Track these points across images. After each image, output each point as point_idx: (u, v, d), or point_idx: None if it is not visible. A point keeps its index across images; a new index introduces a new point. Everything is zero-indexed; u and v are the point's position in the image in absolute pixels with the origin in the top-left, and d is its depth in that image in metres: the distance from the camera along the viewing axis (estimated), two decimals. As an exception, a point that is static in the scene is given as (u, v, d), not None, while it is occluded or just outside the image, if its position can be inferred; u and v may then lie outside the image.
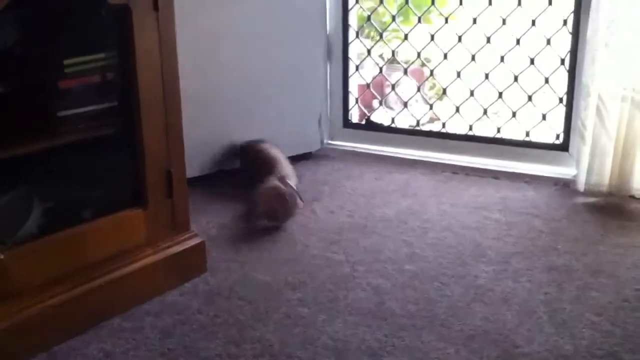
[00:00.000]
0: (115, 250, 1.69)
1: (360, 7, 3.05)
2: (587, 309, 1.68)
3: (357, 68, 3.07)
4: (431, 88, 3.81)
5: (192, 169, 2.40)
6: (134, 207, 1.74)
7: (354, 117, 3.21)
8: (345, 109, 3.11)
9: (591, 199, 2.43)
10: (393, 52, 3.13)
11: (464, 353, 1.50)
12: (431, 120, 3.29)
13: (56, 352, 1.52)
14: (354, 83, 3.17)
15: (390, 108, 3.40)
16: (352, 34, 3.01)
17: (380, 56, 3.50)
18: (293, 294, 1.78)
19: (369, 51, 3.10)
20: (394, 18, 3.09)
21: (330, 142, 3.09)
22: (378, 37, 3.22)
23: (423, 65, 3.18)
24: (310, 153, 2.97)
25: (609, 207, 2.38)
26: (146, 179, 1.73)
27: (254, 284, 1.84)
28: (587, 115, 2.41)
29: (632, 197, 2.41)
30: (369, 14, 3.05)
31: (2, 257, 1.43)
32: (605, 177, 2.40)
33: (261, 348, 1.53)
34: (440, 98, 3.42)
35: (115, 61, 1.75)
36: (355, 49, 3.11)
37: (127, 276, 1.69)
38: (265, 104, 2.77)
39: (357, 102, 3.14)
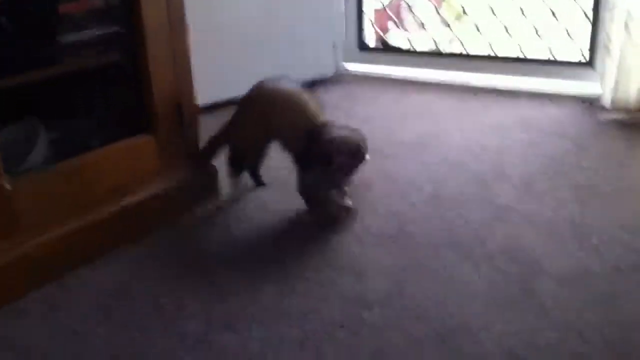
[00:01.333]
0: (127, 178, 1.65)
1: None
2: (613, 226, 1.63)
3: (371, -12, 2.95)
4: (448, 9, 3.68)
5: (205, 97, 2.35)
6: (144, 135, 1.69)
7: (370, 41, 3.11)
8: (360, 31, 3.01)
9: (617, 116, 2.34)
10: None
11: (485, 271, 1.46)
12: (451, 42, 3.18)
13: (68, 281, 1.50)
14: (370, 7, 3.07)
15: (407, 31, 3.28)
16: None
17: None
18: (309, 218, 1.74)
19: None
20: None
21: (345, 65, 3.00)
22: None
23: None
24: (325, 77, 2.89)
25: (635, 123, 2.29)
26: (155, 105, 1.67)
27: (269, 209, 1.80)
28: (613, 28, 2.29)
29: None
30: None
31: (8, 187, 1.40)
32: (631, 93, 2.31)
33: (278, 272, 1.50)
34: (458, 19, 3.30)
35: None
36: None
37: (141, 203, 1.66)
38: (278, 28, 2.68)
39: (372, 24, 3.03)
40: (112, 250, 1.60)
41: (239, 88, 2.61)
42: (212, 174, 1.85)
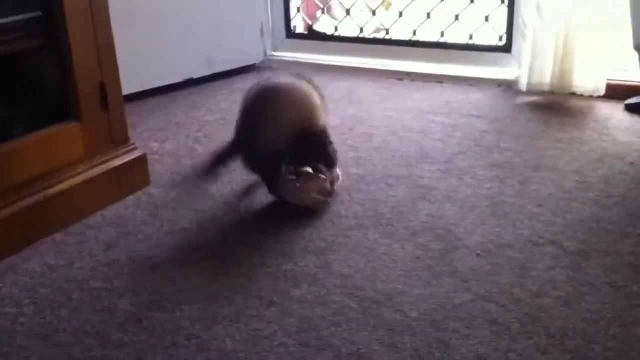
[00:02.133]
0: (51, 166, 1.64)
1: None
2: (529, 201, 1.72)
3: (296, -25, 2.98)
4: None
5: (130, 84, 2.33)
6: (69, 121, 1.68)
7: (299, 28, 3.15)
8: (287, 19, 3.05)
9: (533, 98, 2.46)
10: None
11: (409, 248, 1.52)
12: (377, 31, 3.25)
13: (-4, 268, 1.48)
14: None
15: (335, 18, 3.33)
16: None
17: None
18: (238, 202, 1.77)
19: (308, -43, 3.00)
20: None
21: (273, 53, 3.03)
22: (317, -58, 3.13)
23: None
24: (253, 65, 2.92)
25: (550, 105, 2.41)
26: (78, 91, 1.66)
27: (198, 194, 1.81)
28: (527, 13, 2.40)
29: (573, 94, 2.44)
30: None
31: None
32: (546, 75, 2.43)
33: (208, 253, 1.53)
34: (386, 7, 3.37)
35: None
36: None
37: (66, 191, 1.65)
38: (204, 16, 2.68)
39: (298, 10, 3.06)
40: (39, 239, 1.58)
41: (164, 77, 2.62)
42: (141, 159, 1.85)
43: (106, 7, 1.69)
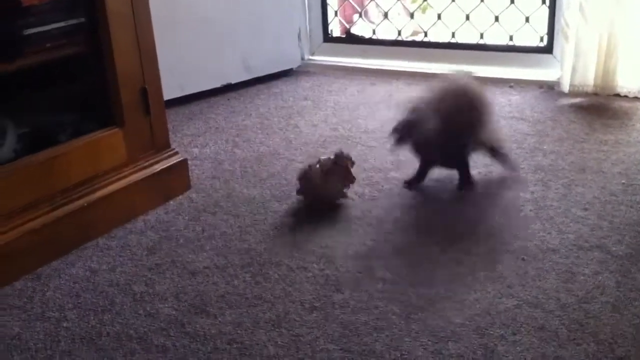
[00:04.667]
0: (94, 171, 1.66)
1: None
2: (574, 205, 1.68)
3: (334, -21, 2.98)
4: (413, 1, 3.71)
5: (172, 89, 2.36)
6: (112, 127, 1.70)
7: (335, 32, 3.14)
8: (325, 23, 3.04)
9: (576, 100, 2.41)
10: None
11: (451, 252, 1.50)
12: (414, 34, 3.22)
13: (41, 273, 1.50)
14: (334, -1, 3.09)
15: (372, 22, 3.32)
16: (327, -56, 2.91)
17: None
18: (279, 206, 1.77)
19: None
20: None
21: (311, 57, 3.03)
22: (354, -53, 3.12)
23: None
24: (291, 69, 2.91)
25: (594, 106, 2.35)
26: (121, 97, 1.68)
27: (239, 198, 1.82)
28: (570, 13, 2.36)
29: (617, 95, 2.39)
30: None
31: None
32: (589, 76, 2.37)
33: (249, 258, 1.53)
34: (423, 10, 3.34)
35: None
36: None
37: (109, 196, 1.67)
38: (242, 21, 2.69)
39: (336, 14, 3.06)
40: (83, 243, 1.60)
41: (203, 82, 2.64)
42: (182, 164, 1.86)
43: (148, 13, 1.71)
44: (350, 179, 1.76)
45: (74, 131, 1.68)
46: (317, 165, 1.74)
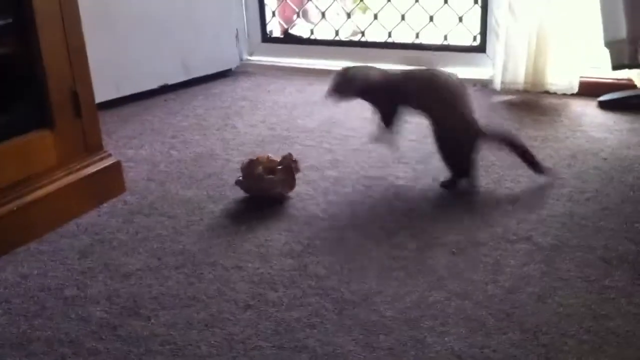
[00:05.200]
0: (24, 174, 1.63)
1: None
2: (503, 199, 1.73)
3: (271, -21, 2.99)
4: (354, 1, 3.75)
5: (107, 90, 2.33)
6: (41, 129, 1.67)
7: (275, 32, 3.15)
8: (263, 23, 3.05)
9: (508, 97, 2.47)
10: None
11: (385, 248, 1.52)
12: (354, 34, 3.25)
13: (-31, 279, 1.47)
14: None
15: (311, 22, 3.34)
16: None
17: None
18: (215, 207, 1.77)
19: (282, -39, 3.01)
20: None
21: (249, 57, 3.03)
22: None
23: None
24: (229, 70, 2.91)
25: (525, 103, 2.43)
26: (50, 99, 1.65)
27: (174, 200, 1.81)
28: (500, 13, 2.42)
29: (547, 92, 2.47)
30: None
31: None
32: (520, 74, 2.45)
33: (183, 259, 1.52)
34: (362, 10, 3.38)
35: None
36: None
37: (40, 200, 1.64)
38: (178, 21, 2.68)
39: (274, 15, 3.06)
40: (13, 248, 1.57)
41: (139, 83, 2.61)
42: (116, 166, 1.84)
43: (77, 12, 1.68)
44: (290, 183, 1.77)
45: (2, 133, 1.64)
46: (264, 159, 1.77)
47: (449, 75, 1.80)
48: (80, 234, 1.65)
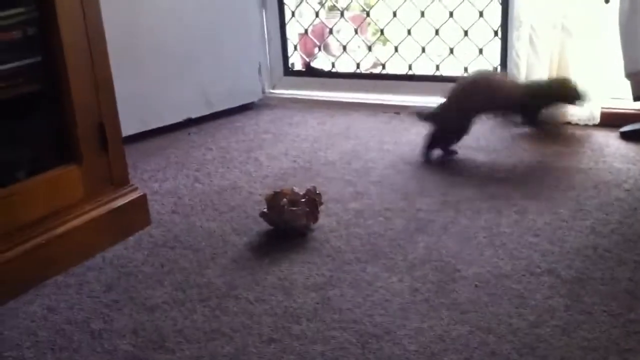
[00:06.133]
0: (52, 208, 1.66)
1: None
2: (526, 231, 1.72)
3: (292, 14, 3.04)
4: (374, 34, 3.79)
5: (132, 124, 2.37)
6: (69, 164, 1.71)
7: (297, 65, 3.19)
8: (285, 57, 3.09)
9: (529, 128, 2.47)
10: (328, -5, 3.11)
11: (407, 281, 1.53)
12: (374, 66, 3.29)
13: (-1, 312, 1.50)
14: (294, 31, 3.15)
15: (333, 55, 3.38)
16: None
17: (320, 2, 3.47)
18: (239, 240, 1.79)
19: (303, -4, 3.07)
20: (327, -39, 3.06)
21: (272, 91, 3.07)
22: (313, -18, 3.19)
23: (363, 10, 3.17)
24: (252, 103, 2.95)
25: (547, 134, 2.42)
26: (78, 133, 1.69)
27: (199, 232, 1.83)
28: (520, 45, 2.44)
29: (569, 123, 2.47)
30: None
31: None
32: (541, 105, 2.44)
33: (208, 292, 1.54)
34: (383, 43, 3.42)
35: (35, 15, 1.69)
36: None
37: (67, 233, 1.67)
38: (202, 55, 2.73)
39: (295, 49, 3.11)
40: (41, 281, 1.60)
41: (163, 117, 2.66)
42: (141, 199, 1.87)
43: (105, 47, 1.72)
44: (314, 216, 1.79)
45: (32, 168, 1.68)
46: (288, 191, 1.79)
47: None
48: (106, 267, 1.67)
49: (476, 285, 1.49)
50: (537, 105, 2.34)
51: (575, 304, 1.40)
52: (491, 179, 2.06)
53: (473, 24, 2.79)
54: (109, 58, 1.74)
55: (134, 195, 1.85)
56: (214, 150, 2.47)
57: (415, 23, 2.89)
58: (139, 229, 1.85)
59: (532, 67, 2.41)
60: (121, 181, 1.83)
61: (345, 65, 3.13)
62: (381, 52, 3.26)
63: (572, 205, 1.85)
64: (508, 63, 2.65)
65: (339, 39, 3.21)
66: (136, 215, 1.85)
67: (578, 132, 2.44)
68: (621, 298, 1.41)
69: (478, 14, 2.75)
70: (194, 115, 2.75)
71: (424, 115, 2.31)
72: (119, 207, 1.80)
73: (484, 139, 2.41)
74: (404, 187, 2.04)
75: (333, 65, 3.12)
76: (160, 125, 2.65)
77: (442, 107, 2.26)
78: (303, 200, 1.78)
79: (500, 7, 2.67)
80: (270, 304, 1.47)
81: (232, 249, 1.74)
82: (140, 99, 2.52)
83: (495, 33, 2.73)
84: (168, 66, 2.63)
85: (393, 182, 2.09)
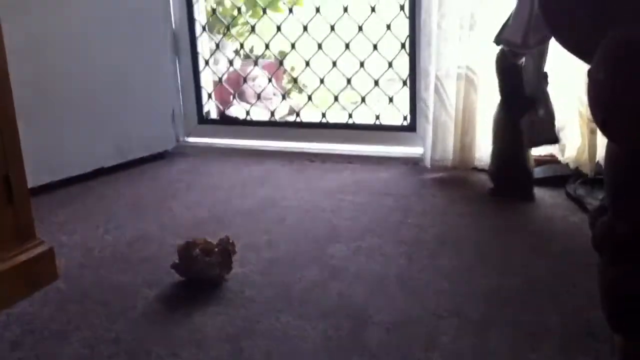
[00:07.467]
0: (-48, 265, 1.59)
1: (206, 0, 3.05)
2: (435, 276, 1.77)
3: (206, 63, 3.06)
4: (289, 82, 3.85)
5: (38, 176, 2.31)
6: (-31, 217, 1.65)
7: (212, 113, 3.20)
8: (200, 105, 3.10)
9: (438, 174, 2.57)
10: (241, 44, 3.15)
11: (321, 328, 1.54)
12: (291, 113, 3.35)
13: None
14: (209, 79, 3.17)
15: (249, 103, 3.42)
16: (199, 29, 3.00)
17: (236, 51, 3.52)
18: (151, 292, 1.75)
19: (217, 45, 3.10)
20: (239, 10, 3.11)
21: (186, 139, 3.07)
22: (226, 31, 3.23)
23: (277, 58, 3.23)
24: (166, 151, 2.94)
25: (454, 180, 2.52)
26: (-20, 185, 1.64)
27: (108, 286, 1.79)
28: (428, 95, 2.54)
29: (475, 168, 2.57)
30: (215, 7, 3.05)
31: None
32: (448, 152, 2.55)
33: (117, 348, 1.50)
34: (299, 91, 3.48)
35: None
36: (207, 44, 3.11)
37: (-32, 290, 1.60)
38: (113, 103, 2.71)
39: (210, 97, 3.12)
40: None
41: (73, 167, 2.60)
42: (48, 253, 1.81)
43: (10, 97, 1.68)
44: (228, 265, 1.79)
45: None
46: (201, 241, 1.78)
47: None
48: (11, 324, 1.61)
49: (387, 330, 1.52)
50: None
51: (481, 344, 1.44)
52: (402, 225, 2.12)
53: (383, 74, 2.88)
54: (14, 107, 1.70)
55: (40, 249, 1.79)
56: (126, 200, 2.44)
57: (328, 72, 2.96)
58: (46, 283, 1.79)
59: (438, 115, 2.51)
60: (27, 235, 1.77)
61: (260, 113, 3.17)
62: (296, 100, 3.32)
63: (479, 248, 1.92)
64: (417, 112, 2.75)
65: (253, 87, 3.25)
66: (43, 269, 1.79)
67: (484, 177, 2.54)
68: (524, 339, 1.46)
69: (387, 64, 2.85)
70: (106, 165, 2.70)
71: None
72: (24, 261, 1.74)
73: (395, 184, 2.48)
74: (318, 234, 2.07)
75: (248, 113, 3.15)
76: (70, 175, 2.59)
77: None
78: (216, 249, 1.78)
79: (408, 57, 2.78)
80: (182, 358, 1.45)
81: (143, 303, 1.70)
82: (49, 148, 2.47)
83: (404, 83, 2.83)
84: (79, 115, 2.59)
85: (307, 229, 2.11)
